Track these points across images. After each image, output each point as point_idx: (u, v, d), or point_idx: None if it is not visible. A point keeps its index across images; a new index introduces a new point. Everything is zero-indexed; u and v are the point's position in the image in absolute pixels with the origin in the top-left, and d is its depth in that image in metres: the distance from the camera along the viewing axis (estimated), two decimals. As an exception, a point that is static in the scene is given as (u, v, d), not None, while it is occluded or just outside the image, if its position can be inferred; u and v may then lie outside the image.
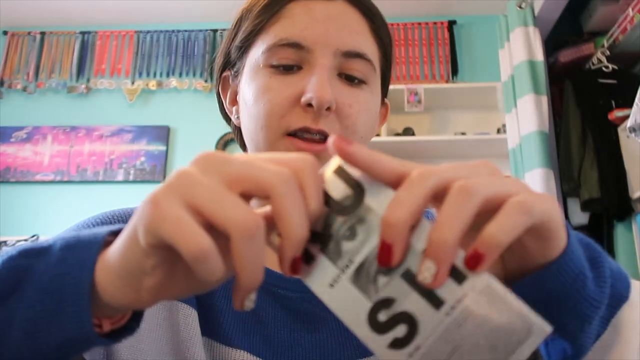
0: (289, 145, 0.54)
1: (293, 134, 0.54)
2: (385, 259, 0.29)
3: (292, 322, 0.55)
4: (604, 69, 2.68)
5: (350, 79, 0.56)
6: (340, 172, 0.31)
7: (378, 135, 2.80)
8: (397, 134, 2.92)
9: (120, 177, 3.04)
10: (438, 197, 0.29)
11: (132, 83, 3.21)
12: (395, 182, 0.30)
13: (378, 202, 0.30)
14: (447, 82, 3.08)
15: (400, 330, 0.29)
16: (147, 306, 0.32)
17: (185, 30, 3.30)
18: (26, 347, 0.31)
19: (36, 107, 3.21)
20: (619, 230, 2.50)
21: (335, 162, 0.32)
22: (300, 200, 0.29)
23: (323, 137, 0.54)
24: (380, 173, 0.30)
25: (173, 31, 3.31)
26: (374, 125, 0.60)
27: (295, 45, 0.54)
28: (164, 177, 2.99)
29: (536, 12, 2.78)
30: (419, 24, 3.22)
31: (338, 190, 0.31)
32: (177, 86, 3.18)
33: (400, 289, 0.29)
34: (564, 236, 0.33)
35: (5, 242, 2.84)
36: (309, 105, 0.53)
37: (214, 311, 0.53)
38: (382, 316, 0.29)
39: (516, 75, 2.70)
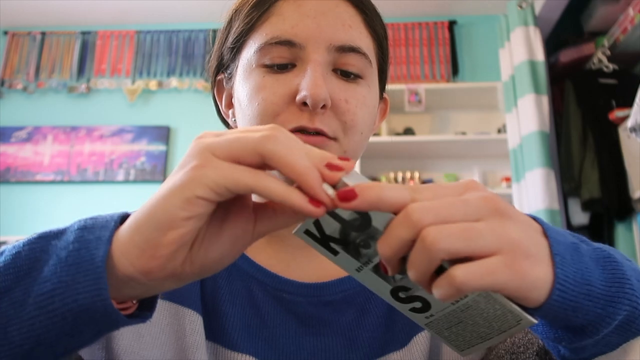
0: None
1: None
2: (384, 271, 0.34)
3: (298, 326, 0.54)
4: (604, 68, 2.68)
5: (345, 75, 0.54)
6: None
7: (378, 134, 2.80)
8: (398, 134, 2.92)
9: (120, 177, 3.04)
10: None
11: (133, 83, 3.21)
12: (397, 212, 0.32)
13: (382, 223, 0.33)
14: (447, 82, 3.08)
15: (417, 304, 0.36)
16: (161, 271, 0.32)
17: (185, 30, 3.30)
18: (39, 322, 0.32)
19: (36, 107, 3.21)
20: (620, 230, 2.51)
21: (340, 187, 0.33)
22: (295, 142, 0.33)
23: (321, 136, 0.53)
24: (385, 209, 0.32)
25: (173, 31, 3.31)
26: (373, 121, 0.59)
27: (287, 43, 0.53)
28: (164, 177, 2.99)
29: (537, 11, 2.78)
30: (420, 24, 3.22)
31: (347, 213, 0.33)
32: (178, 86, 3.18)
33: (412, 283, 0.34)
34: (538, 297, 0.33)
35: (5, 242, 2.84)
36: (304, 104, 0.51)
37: (219, 316, 0.53)
38: (402, 294, 0.36)
39: (517, 75, 2.70)
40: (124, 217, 0.35)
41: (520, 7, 2.75)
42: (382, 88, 0.63)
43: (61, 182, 3.05)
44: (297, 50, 0.53)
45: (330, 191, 0.32)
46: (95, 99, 3.22)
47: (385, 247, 0.32)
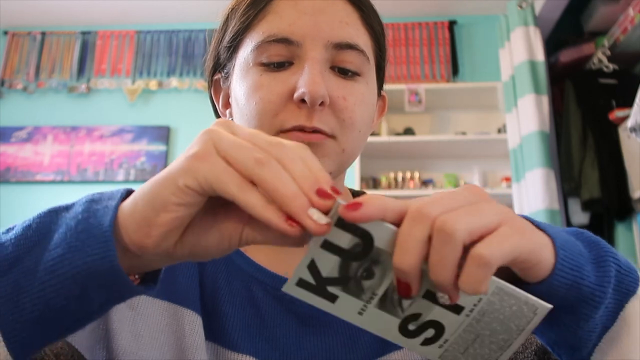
0: None
1: (288, 132, 0.52)
2: (406, 293, 0.33)
3: (299, 326, 0.54)
4: (604, 68, 2.68)
5: (343, 72, 0.54)
6: (342, 224, 0.32)
7: (378, 134, 2.80)
8: (398, 134, 2.92)
9: (120, 177, 3.04)
10: None
11: (133, 83, 3.22)
12: (398, 220, 0.32)
13: (385, 242, 0.32)
14: (447, 82, 3.08)
15: (429, 333, 0.34)
16: (154, 248, 0.33)
17: (185, 30, 3.30)
18: (50, 286, 0.33)
19: (37, 107, 3.21)
20: (620, 230, 2.51)
21: (334, 212, 0.32)
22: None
23: (319, 134, 0.52)
24: (389, 219, 0.32)
25: (173, 31, 3.31)
26: (371, 119, 0.59)
27: (284, 41, 0.52)
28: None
29: (537, 11, 2.78)
30: (420, 24, 3.22)
31: (346, 241, 0.32)
32: (178, 86, 3.18)
33: (424, 306, 0.34)
34: (547, 258, 0.35)
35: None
36: (302, 101, 0.51)
37: (219, 317, 0.53)
38: (412, 326, 0.34)
39: (517, 75, 2.70)
40: (129, 192, 0.37)
41: (520, 7, 2.75)
42: (380, 85, 0.63)
43: (61, 182, 3.05)
44: (295, 48, 0.53)
45: (317, 215, 0.31)
46: (95, 99, 3.22)
47: (404, 256, 0.31)
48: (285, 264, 0.57)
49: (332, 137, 0.53)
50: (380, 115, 0.66)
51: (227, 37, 0.59)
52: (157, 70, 3.25)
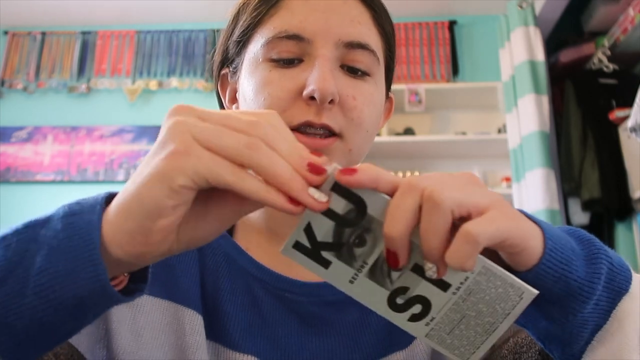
0: None
1: (296, 129, 0.51)
2: (394, 263, 0.33)
3: (300, 326, 0.54)
4: (604, 68, 2.68)
5: (353, 71, 0.54)
6: (338, 189, 0.33)
7: (378, 134, 2.80)
8: (398, 134, 2.92)
9: (120, 177, 3.04)
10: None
11: (133, 83, 3.21)
12: (392, 192, 0.33)
13: (379, 211, 0.33)
14: (447, 82, 3.08)
15: (416, 308, 0.35)
16: (152, 254, 0.33)
17: (186, 30, 3.30)
18: (42, 310, 0.32)
19: (37, 107, 3.21)
20: (620, 230, 2.51)
21: (331, 177, 0.33)
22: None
23: (327, 132, 0.52)
24: (382, 189, 0.33)
25: (173, 31, 3.31)
26: (379, 119, 0.58)
27: (295, 37, 0.52)
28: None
29: (537, 11, 2.78)
30: (420, 24, 3.22)
31: (341, 206, 0.33)
32: (178, 86, 3.18)
33: (412, 279, 0.35)
34: (536, 246, 0.35)
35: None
36: (312, 98, 0.50)
37: (220, 316, 0.53)
38: (400, 300, 0.35)
39: (517, 75, 2.70)
40: (108, 198, 0.35)
41: (521, 7, 2.75)
42: (388, 87, 0.62)
43: (61, 182, 3.05)
44: (305, 45, 0.52)
45: (318, 194, 0.32)
46: (95, 99, 3.22)
47: (394, 224, 0.32)
48: (288, 263, 0.57)
49: (339, 135, 0.53)
50: (386, 117, 0.65)
51: (237, 32, 0.58)
52: (157, 70, 3.25)
